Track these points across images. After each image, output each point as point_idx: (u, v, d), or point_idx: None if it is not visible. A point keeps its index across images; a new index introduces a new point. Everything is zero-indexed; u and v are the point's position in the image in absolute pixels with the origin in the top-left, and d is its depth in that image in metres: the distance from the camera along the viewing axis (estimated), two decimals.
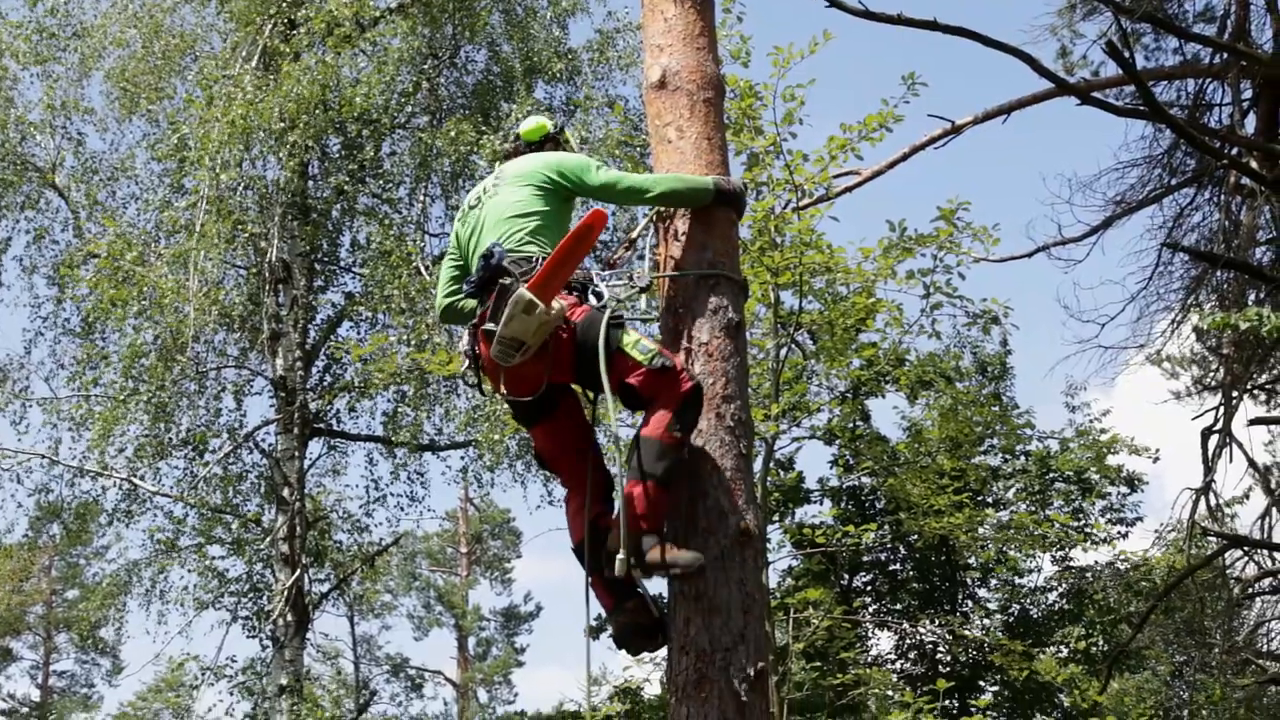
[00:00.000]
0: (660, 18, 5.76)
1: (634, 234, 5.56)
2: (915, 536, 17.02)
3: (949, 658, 20.15)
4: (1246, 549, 14.27)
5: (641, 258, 5.58)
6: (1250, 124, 13.12)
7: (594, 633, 21.98)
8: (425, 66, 19.06)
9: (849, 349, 11.51)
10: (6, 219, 19.66)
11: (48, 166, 19.50)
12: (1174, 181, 14.11)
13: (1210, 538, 14.75)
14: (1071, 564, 20.71)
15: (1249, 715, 18.43)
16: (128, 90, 19.20)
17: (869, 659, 19.85)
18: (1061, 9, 14.70)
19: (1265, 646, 16.32)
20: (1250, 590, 15.30)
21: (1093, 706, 15.98)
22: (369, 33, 18.44)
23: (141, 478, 18.16)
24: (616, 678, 17.40)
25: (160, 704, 34.18)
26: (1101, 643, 19.39)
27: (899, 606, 20.73)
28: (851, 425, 18.20)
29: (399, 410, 18.85)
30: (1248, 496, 15.86)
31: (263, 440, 19.07)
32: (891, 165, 12.14)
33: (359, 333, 19.20)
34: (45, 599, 37.08)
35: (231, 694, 18.83)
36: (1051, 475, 20.08)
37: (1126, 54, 9.27)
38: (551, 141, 5.76)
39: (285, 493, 17.79)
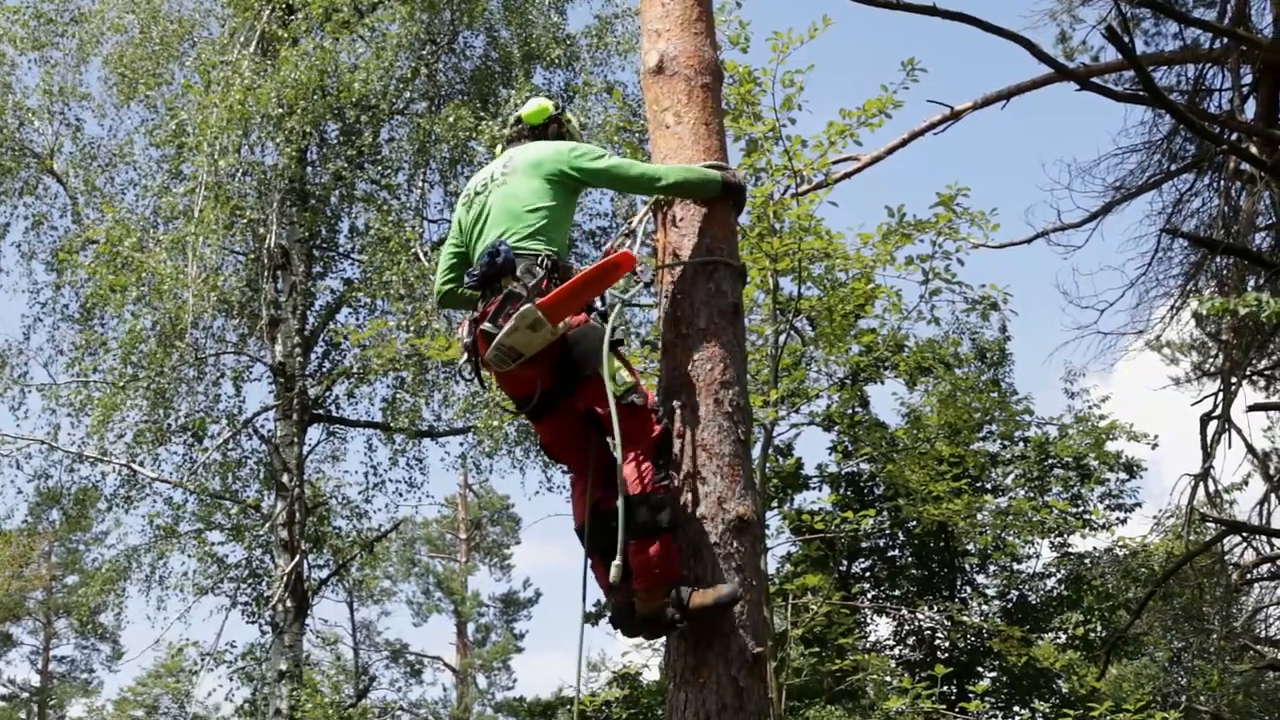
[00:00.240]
0: (658, 3, 5.75)
1: (634, 222, 5.53)
2: (914, 522, 17.02)
3: (947, 643, 20.17)
4: (1245, 535, 14.27)
5: (642, 245, 5.57)
6: (1250, 109, 13.10)
7: (592, 619, 22.04)
8: (424, 52, 19.03)
9: (848, 335, 11.50)
10: (5, 205, 19.70)
11: (46, 152, 19.50)
12: (1173, 167, 14.09)
13: (1209, 524, 14.75)
14: (1070, 550, 20.71)
15: (1247, 701, 18.47)
16: (126, 76, 19.17)
17: (867, 645, 19.86)
18: None
19: (1263, 632, 16.34)
20: (1248, 576, 15.31)
21: (1091, 692, 16.01)
22: (367, 18, 18.41)
23: (141, 463, 18.18)
24: (615, 663, 17.44)
25: (160, 689, 34.23)
26: (1100, 629, 19.41)
27: (897, 592, 20.75)
28: (850, 411, 18.21)
29: (398, 396, 18.86)
30: (1246, 483, 15.85)
31: (262, 426, 19.13)
32: (891, 151, 12.13)
33: (358, 319, 19.23)
34: (45, 584, 37.07)
35: (231, 679, 18.92)
36: (1050, 461, 20.09)
37: (1126, 39, 9.24)
38: (554, 123, 5.69)
39: (284, 478, 17.81)
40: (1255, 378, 14.78)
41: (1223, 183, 13.42)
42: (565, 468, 5.41)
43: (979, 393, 19.00)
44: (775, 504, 17.76)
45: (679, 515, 4.86)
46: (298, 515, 17.76)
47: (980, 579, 21.29)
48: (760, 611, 4.92)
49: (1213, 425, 13.65)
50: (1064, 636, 19.36)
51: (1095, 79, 11.03)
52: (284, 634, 17.50)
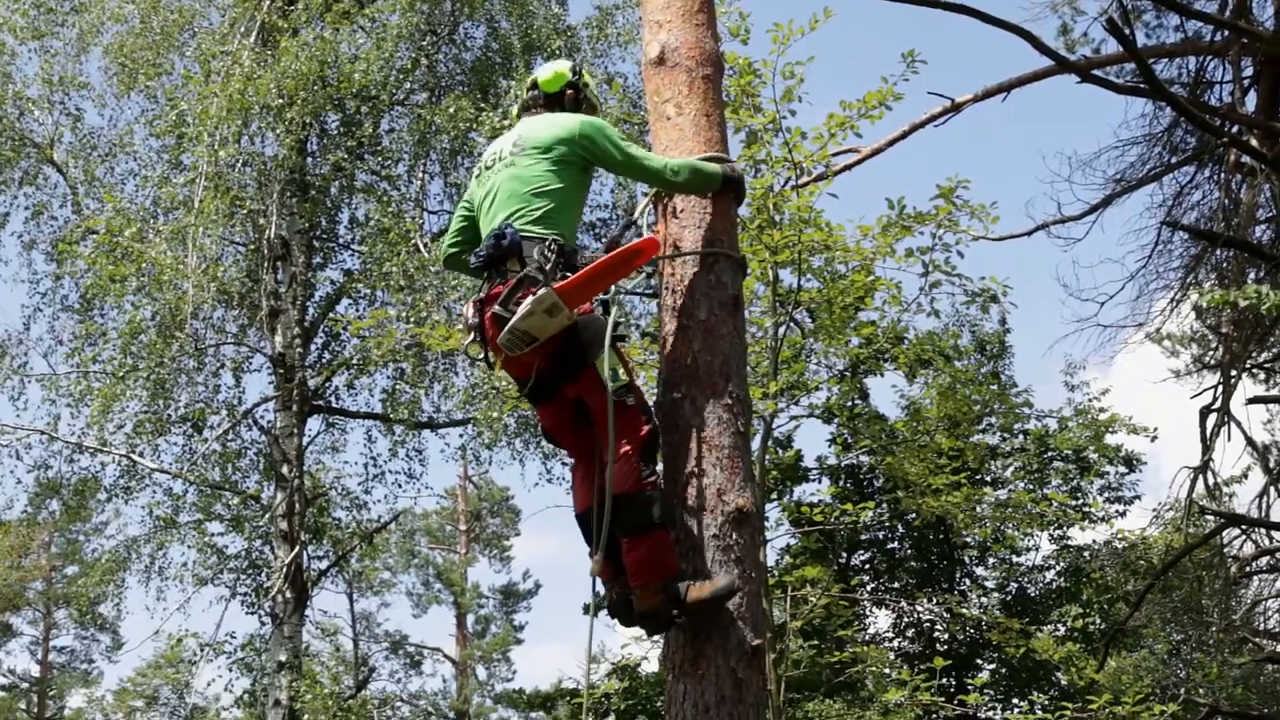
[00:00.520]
0: None
1: (636, 213, 5.51)
2: (913, 515, 17.05)
3: (946, 636, 20.21)
4: (1244, 528, 14.28)
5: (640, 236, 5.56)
6: (1251, 102, 13.08)
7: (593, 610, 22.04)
8: (424, 43, 19.01)
9: (847, 327, 11.47)
10: (5, 195, 19.67)
11: (46, 142, 19.48)
12: (1174, 159, 14.07)
13: (1208, 516, 14.74)
14: (1069, 543, 20.75)
15: (1246, 693, 18.50)
16: (126, 66, 19.14)
17: (866, 637, 19.90)
18: None
19: (1262, 625, 16.36)
20: (1248, 569, 15.32)
21: (1090, 684, 16.00)
22: (367, 8, 18.40)
23: (140, 454, 18.18)
24: (615, 655, 17.47)
25: (160, 680, 34.29)
26: (1099, 621, 19.45)
27: (897, 585, 20.78)
28: (850, 404, 18.23)
29: (397, 387, 18.86)
30: (1246, 475, 15.91)
31: (261, 417, 19.14)
32: (891, 143, 12.13)
33: (358, 310, 19.19)
34: (45, 575, 37.11)
35: (230, 670, 18.92)
36: (1050, 454, 20.11)
37: (1127, 31, 9.24)
38: (571, 89, 5.56)
39: (284, 469, 17.82)
40: (1255, 371, 14.78)
41: (1223, 175, 13.41)
42: (566, 453, 5.39)
43: (979, 385, 19.03)
44: (775, 496, 17.80)
45: (669, 511, 4.86)
46: (297, 506, 17.77)
47: (979, 571, 21.33)
48: (759, 604, 4.92)
49: (1212, 418, 13.65)
50: (1063, 629, 19.40)
51: (1096, 71, 11.04)
52: (283, 625, 17.51)
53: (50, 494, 19.80)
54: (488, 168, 5.35)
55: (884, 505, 18.66)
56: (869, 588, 20.59)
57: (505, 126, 5.70)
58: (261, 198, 18.12)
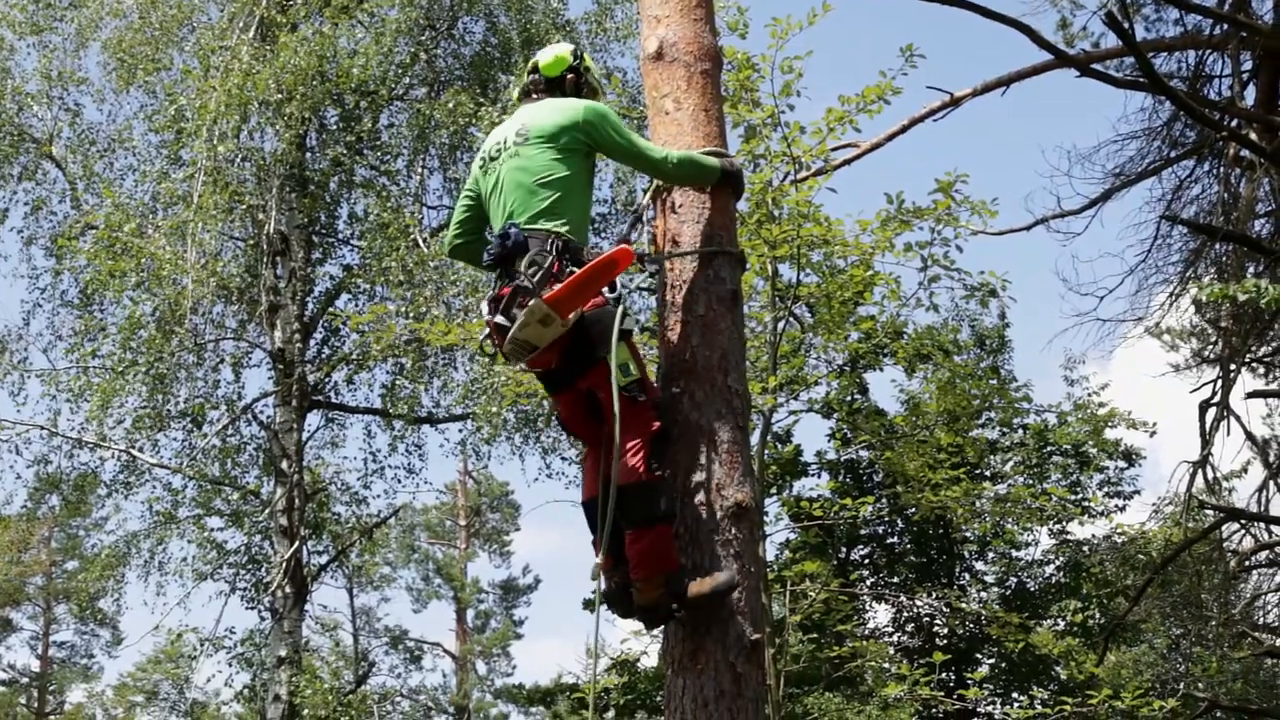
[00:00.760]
0: None
1: (641, 208, 5.51)
2: (913, 510, 17.04)
3: (946, 630, 20.22)
4: (1243, 522, 14.30)
5: (644, 231, 5.56)
6: (1250, 96, 13.06)
7: (594, 605, 22.04)
8: (423, 38, 19.00)
9: (846, 322, 11.49)
10: (4, 190, 19.64)
11: (45, 137, 19.47)
12: (1173, 154, 14.06)
13: (1207, 511, 14.76)
14: (1069, 537, 20.76)
15: (1245, 687, 18.51)
16: (125, 61, 19.11)
17: (866, 631, 19.91)
18: None
19: (1261, 619, 16.39)
20: (1247, 563, 15.35)
21: (1089, 679, 16.03)
22: (366, 3, 18.37)
23: (140, 449, 18.17)
24: (614, 650, 17.46)
25: (160, 675, 34.28)
26: (1098, 615, 19.47)
27: (896, 579, 20.79)
28: (849, 398, 18.24)
29: (397, 383, 18.86)
30: (1245, 470, 15.91)
31: (261, 412, 19.13)
32: (890, 138, 12.10)
33: (357, 305, 19.19)
34: (45, 570, 37.11)
35: (230, 665, 18.92)
36: (1049, 448, 20.12)
37: (1126, 25, 9.24)
38: (572, 73, 5.53)
39: (284, 465, 17.82)
40: (1254, 364, 14.80)
41: (1222, 169, 13.40)
42: (581, 441, 5.40)
43: (978, 380, 19.05)
44: (774, 491, 17.79)
45: (673, 505, 4.87)
46: (297, 501, 17.76)
47: (979, 566, 21.34)
48: (758, 598, 4.93)
49: (1211, 412, 13.67)
50: (1062, 623, 19.42)
51: (1095, 65, 11.00)
52: (283, 620, 17.52)
53: (50, 489, 19.81)
54: (492, 158, 5.32)
55: (883, 500, 18.67)
56: (868, 582, 20.61)
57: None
58: (261, 193, 18.11)
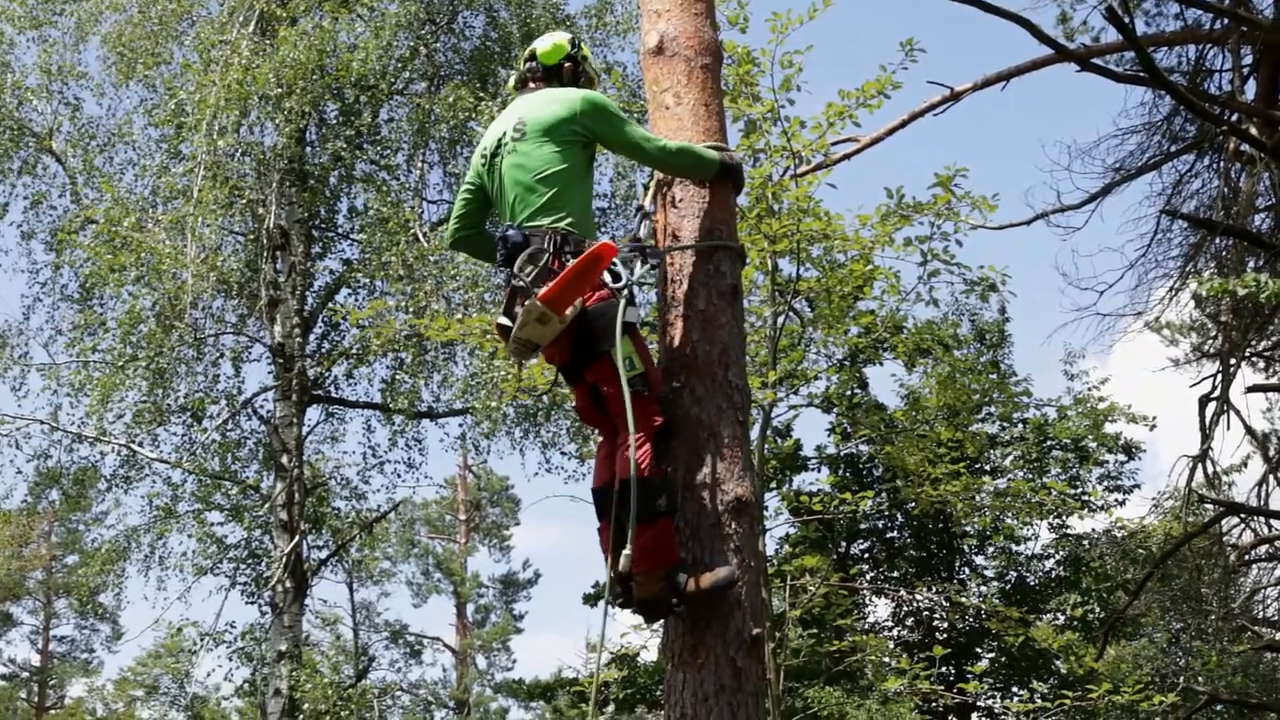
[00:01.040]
0: None
1: (645, 204, 5.49)
2: (912, 504, 17.05)
3: (946, 625, 20.23)
4: (1243, 516, 14.29)
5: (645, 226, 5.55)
6: (1250, 90, 13.05)
7: (592, 600, 22.06)
8: (423, 32, 18.98)
9: (846, 316, 11.48)
10: (4, 184, 19.62)
11: (45, 132, 19.46)
12: (1174, 148, 14.05)
13: (1207, 505, 14.77)
14: (1068, 531, 20.77)
15: (1245, 681, 18.52)
16: (124, 55, 19.10)
17: (866, 626, 19.92)
18: None
19: (1261, 613, 16.38)
20: (1246, 557, 15.33)
21: (1089, 673, 16.05)
22: None
23: (140, 444, 18.18)
24: (614, 644, 17.47)
25: (160, 669, 34.34)
26: (1098, 610, 19.47)
27: (896, 574, 20.79)
28: (849, 393, 18.22)
29: (397, 377, 18.86)
30: (1245, 464, 15.88)
31: (261, 407, 19.14)
32: (890, 132, 12.08)
33: (357, 299, 19.19)
34: (45, 564, 37.14)
35: (230, 659, 18.93)
36: (1049, 443, 20.12)
37: (1126, 19, 9.23)
38: (570, 61, 5.51)
39: (284, 459, 17.82)
40: (1254, 359, 14.79)
41: (1222, 164, 13.39)
42: (596, 430, 5.40)
43: (978, 374, 19.04)
44: (774, 485, 17.78)
45: (676, 500, 4.87)
46: (297, 496, 17.78)
47: (979, 560, 21.35)
48: (758, 593, 4.93)
49: (1211, 406, 13.66)
50: (1062, 617, 19.42)
51: (1095, 60, 11.01)
52: (283, 614, 17.53)
53: (50, 483, 19.80)
54: (493, 155, 5.31)
55: (883, 494, 18.68)
56: (868, 577, 20.60)
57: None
58: (260, 187, 18.10)
